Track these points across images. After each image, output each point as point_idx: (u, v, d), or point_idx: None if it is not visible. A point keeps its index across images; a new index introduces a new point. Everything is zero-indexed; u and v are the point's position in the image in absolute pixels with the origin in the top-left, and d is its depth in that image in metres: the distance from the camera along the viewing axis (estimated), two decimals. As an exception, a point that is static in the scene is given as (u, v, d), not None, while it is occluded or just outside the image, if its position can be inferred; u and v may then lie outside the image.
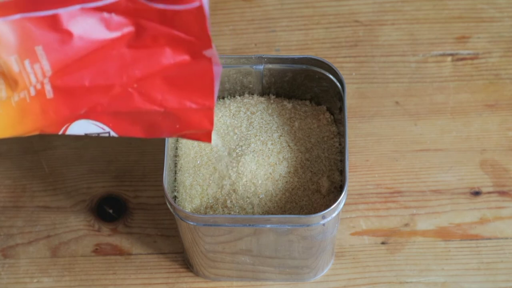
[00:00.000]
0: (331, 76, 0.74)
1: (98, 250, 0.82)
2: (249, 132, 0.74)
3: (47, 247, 0.82)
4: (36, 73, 0.54)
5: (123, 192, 0.85)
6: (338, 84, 0.74)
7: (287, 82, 0.76)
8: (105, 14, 0.54)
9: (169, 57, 0.57)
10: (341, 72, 0.74)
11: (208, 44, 0.57)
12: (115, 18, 0.55)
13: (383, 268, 0.81)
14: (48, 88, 0.56)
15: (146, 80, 0.58)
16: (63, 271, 0.81)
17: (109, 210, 0.84)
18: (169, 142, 0.72)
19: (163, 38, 0.56)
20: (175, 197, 0.73)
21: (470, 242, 0.82)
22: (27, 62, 0.54)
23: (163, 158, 0.69)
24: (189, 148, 0.74)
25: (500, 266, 0.81)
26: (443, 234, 0.82)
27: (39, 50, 0.54)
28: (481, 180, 0.85)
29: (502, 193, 0.84)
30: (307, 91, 0.77)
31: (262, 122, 0.75)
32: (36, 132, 0.58)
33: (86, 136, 0.61)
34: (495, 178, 0.85)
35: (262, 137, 0.74)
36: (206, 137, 0.63)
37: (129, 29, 0.56)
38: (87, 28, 0.54)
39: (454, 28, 0.93)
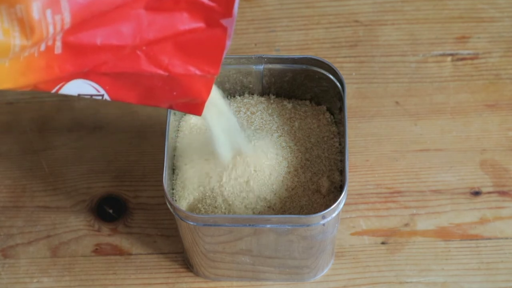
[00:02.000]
0: (331, 76, 0.74)
1: (98, 250, 0.82)
2: (249, 132, 0.74)
3: (47, 247, 0.82)
4: (56, 24, 0.52)
5: (123, 192, 0.85)
6: (338, 84, 0.74)
7: (287, 82, 0.76)
8: None
9: (185, 22, 0.57)
10: (341, 72, 0.74)
11: (229, 13, 0.56)
12: None
13: (383, 268, 0.81)
14: (58, 44, 0.54)
15: (156, 44, 0.57)
16: (63, 271, 0.81)
17: (109, 210, 0.84)
18: (169, 142, 0.72)
19: (184, 1, 0.56)
20: (172, 192, 0.73)
21: (470, 242, 0.82)
22: (48, 12, 0.52)
23: (163, 158, 0.69)
24: (188, 147, 0.74)
25: (500, 266, 0.81)
26: (443, 234, 0.82)
27: (63, 1, 0.52)
28: (481, 180, 0.85)
29: (502, 193, 0.84)
30: (307, 91, 0.77)
31: (262, 122, 0.75)
32: (30, 88, 0.56)
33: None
34: (495, 178, 0.85)
35: (262, 137, 0.74)
36: (197, 109, 0.63)
37: None
38: None
39: (454, 28, 0.93)
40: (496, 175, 0.85)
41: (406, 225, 0.83)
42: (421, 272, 0.80)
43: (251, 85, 0.77)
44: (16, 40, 0.52)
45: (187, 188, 0.72)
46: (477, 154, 0.86)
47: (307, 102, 0.77)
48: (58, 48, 0.54)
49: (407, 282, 0.80)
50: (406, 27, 0.93)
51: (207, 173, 0.72)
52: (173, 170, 0.74)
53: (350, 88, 0.89)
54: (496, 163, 0.85)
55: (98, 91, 0.59)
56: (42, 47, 0.54)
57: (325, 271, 0.80)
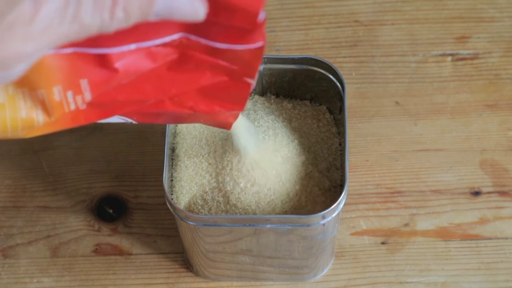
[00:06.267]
0: (331, 76, 0.74)
1: (98, 250, 0.82)
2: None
3: (47, 247, 0.82)
4: (77, 102, 0.53)
5: (123, 192, 0.85)
6: (338, 84, 0.74)
7: (287, 82, 0.76)
8: (154, 48, 0.53)
9: (208, 79, 0.57)
10: (341, 72, 0.74)
11: (253, 75, 0.56)
12: (163, 50, 0.54)
13: (383, 268, 0.81)
14: (83, 105, 0.55)
15: (181, 94, 0.58)
16: (63, 271, 0.81)
17: (109, 210, 0.84)
18: (169, 142, 0.72)
19: (207, 64, 0.56)
20: (172, 192, 0.73)
21: (470, 242, 0.82)
22: (69, 93, 0.53)
23: (163, 158, 0.69)
24: (188, 147, 0.74)
25: (500, 266, 0.81)
26: (443, 234, 0.82)
27: (83, 83, 0.53)
28: (481, 180, 0.85)
29: (502, 193, 0.84)
30: (307, 91, 0.77)
31: (262, 122, 0.75)
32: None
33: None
34: (495, 178, 0.85)
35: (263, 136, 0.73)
36: (225, 127, 0.64)
37: (173, 56, 0.55)
38: (133, 63, 0.53)
39: (454, 28, 0.93)
40: (496, 175, 0.85)
41: (406, 225, 0.83)
42: (421, 272, 0.80)
43: (251, 85, 0.77)
44: (39, 117, 0.53)
45: (186, 187, 0.72)
46: (477, 154, 0.86)
47: (307, 102, 0.77)
48: (82, 106, 0.55)
49: (407, 282, 0.80)
50: (406, 27, 0.93)
51: (207, 172, 0.72)
52: (172, 166, 0.74)
53: (350, 88, 0.89)
54: (496, 163, 0.85)
55: (126, 120, 0.61)
56: (67, 111, 0.54)
57: (325, 271, 0.80)
